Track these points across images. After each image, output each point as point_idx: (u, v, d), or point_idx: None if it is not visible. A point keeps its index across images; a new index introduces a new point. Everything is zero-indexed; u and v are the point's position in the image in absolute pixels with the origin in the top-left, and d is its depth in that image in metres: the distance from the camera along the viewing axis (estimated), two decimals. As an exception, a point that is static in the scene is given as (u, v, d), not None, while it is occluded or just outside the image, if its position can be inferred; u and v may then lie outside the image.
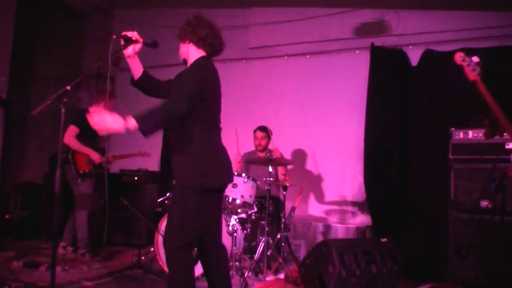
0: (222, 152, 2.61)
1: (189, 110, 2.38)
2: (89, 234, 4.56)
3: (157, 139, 5.75)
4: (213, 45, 2.60)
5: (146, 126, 2.27)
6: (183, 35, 2.59)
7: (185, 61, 2.66)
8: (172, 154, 2.59)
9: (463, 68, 2.83)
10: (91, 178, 4.58)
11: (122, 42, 2.50)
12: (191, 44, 2.58)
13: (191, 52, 2.60)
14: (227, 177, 2.67)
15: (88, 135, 4.47)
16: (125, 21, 6.27)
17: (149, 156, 5.07)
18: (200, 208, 2.49)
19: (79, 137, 4.52)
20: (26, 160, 6.40)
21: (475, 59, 2.80)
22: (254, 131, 5.02)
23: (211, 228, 2.65)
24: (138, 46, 2.52)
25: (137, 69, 2.60)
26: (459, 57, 2.83)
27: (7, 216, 5.20)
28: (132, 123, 2.22)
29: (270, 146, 4.96)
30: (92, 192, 4.62)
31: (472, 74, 2.80)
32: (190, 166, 2.49)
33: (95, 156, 4.54)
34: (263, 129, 4.99)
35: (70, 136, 4.47)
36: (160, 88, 2.68)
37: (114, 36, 2.49)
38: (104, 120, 2.18)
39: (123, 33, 2.49)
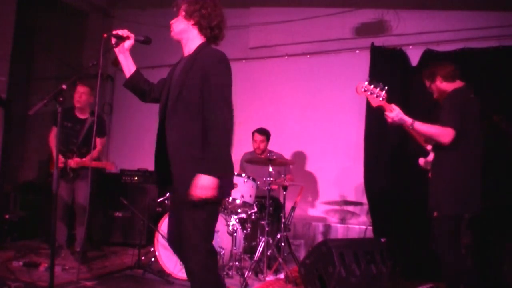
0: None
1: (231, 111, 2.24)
2: (61, 234, 4.49)
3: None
4: (216, 37, 2.43)
5: (220, 166, 2.18)
6: (190, 14, 2.36)
7: (178, 40, 2.44)
8: (185, 161, 2.27)
9: (366, 98, 2.99)
10: (63, 178, 4.39)
11: (114, 41, 2.47)
12: (195, 27, 2.38)
13: (192, 35, 2.39)
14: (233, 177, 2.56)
15: (62, 133, 4.37)
16: (125, 21, 6.27)
17: (113, 168, 4.59)
18: (219, 206, 2.45)
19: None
20: (26, 160, 6.39)
21: (380, 85, 2.95)
22: (253, 133, 5.02)
23: None
24: (129, 43, 2.46)
25: (129, 67, 2.50)
26: (359, 89, 2.99)
27: (7, 216, 5.19)
28: (206, 181, 2.14)
29: (271, 148, 4.96)
30: (65, 192, 4.48)
31: (375, 101, 2.96)
32: (219, 173, 2.24)
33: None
34: (262, 131, 4.97)
35: (51, 137, 4.58)
36: (153, 90, 2.55)
37: (105, 35, 2.47)
38: (202, 189, 2.15)
39: (114, 32, 2.46)
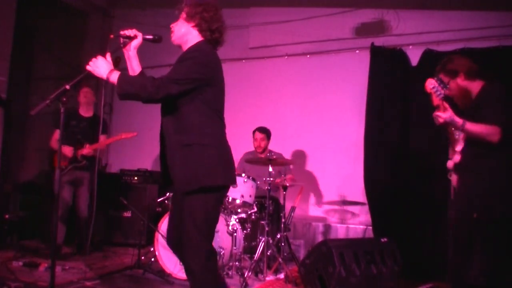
0: (229, 147, 2.45)
1: (176, 95, 2.25)
2: (60, 234, 4.51)
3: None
4: (216, 40, 2.45)
5: (122, 88, 2.27)
6: (191, 16, 2.39)
7: (178, 45, 2.47)
8: (175, 149, 2.33)
9: (431, 96, 2.89)
10: (64, 175, 4.50)
11: (122, 41, 2.47)
12: (195, 28, 2.41)
13: (192, 36, 2.42)
14: (234, 173, 2.54)
15: (68, 132, 4.53)
16: (125, 21, 6.26)
17: (135, 135, 4.53)
18: (219, 206, 2.43)
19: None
20: (26, 160, 6.39)
21: (444, 82, 2.85)
22: (253, 132, 5.03)
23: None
24: (137, 42, 2.45)
25: (135, 67, 2.51)
26: (429, 85, 2.87)
27: (7, 216, 5.19)
28: (114, 77, 2.28)
29: (270, 147, 4.96)
30: (67, 193, 4.57)
31: (437, 99, 2.86)
32: (206, 161, 2.28)
33: (66, 150, 4.51)
34: (262, 130, 4.99)
35: (53, 139, 4.70)
36: None
37: (112, 36, 2.46)
38: (97, 62, 2.32)
39: (122, 32, 2.46)
